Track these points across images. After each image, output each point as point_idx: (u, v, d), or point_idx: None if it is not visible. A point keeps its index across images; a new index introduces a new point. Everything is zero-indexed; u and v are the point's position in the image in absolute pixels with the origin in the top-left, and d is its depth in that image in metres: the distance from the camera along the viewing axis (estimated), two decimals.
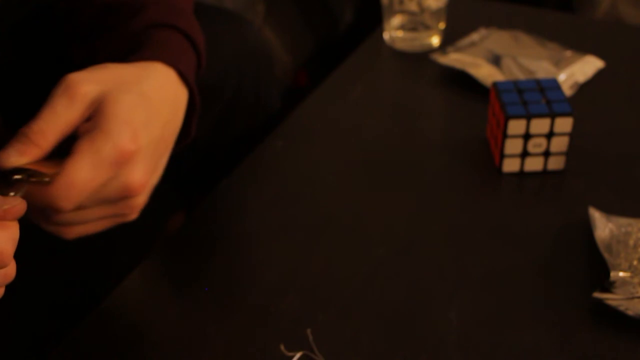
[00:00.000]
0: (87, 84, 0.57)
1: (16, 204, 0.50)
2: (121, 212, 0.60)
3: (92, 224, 0.60)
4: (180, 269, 0.75)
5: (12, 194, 0.52)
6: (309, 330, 0.65)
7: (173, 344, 0.66)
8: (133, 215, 0.61)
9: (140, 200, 0.60)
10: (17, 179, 0.53)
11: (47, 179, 0.54)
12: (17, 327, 0.71)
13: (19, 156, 0.54)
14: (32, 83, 0.77)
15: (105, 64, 0.60)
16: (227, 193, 0.83)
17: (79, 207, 0.57)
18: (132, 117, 0.57)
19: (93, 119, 0.57)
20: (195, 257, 0.75)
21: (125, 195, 0.58)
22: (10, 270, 0.50)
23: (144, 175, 0.58)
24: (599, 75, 0.97)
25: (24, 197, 0.53)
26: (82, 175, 0.54)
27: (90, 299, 0.71)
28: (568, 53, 0.98)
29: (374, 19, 1.08)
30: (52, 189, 0.54)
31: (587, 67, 0.97)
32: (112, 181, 0.57)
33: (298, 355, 0.63)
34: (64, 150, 0.56)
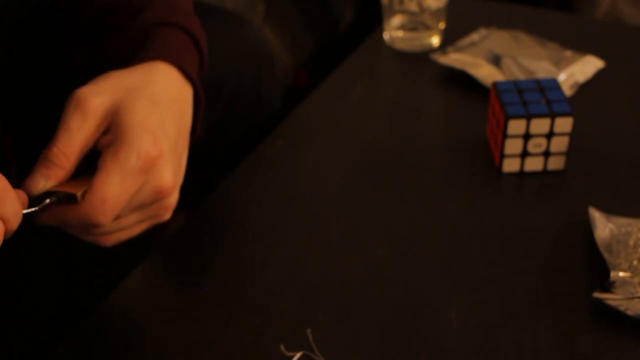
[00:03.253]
0: (96, 97, 0.57)
1: None
2: (156, 213, 0.62)
3: (129, 229, 0.62)
4: (180, 269, 0.75)
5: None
6: (309, 330, 0.65)
7: (173, 344, 0.66)
8: (167, 215, 0.63)
9: (172, 199, 0.62)
10: (48, 203, 0.56)
11: (77, 198, 0.56)
12: (18, 327, 0.71)
13: (46, 181, 0.56)
14: (33, 83, 0.77)
15: (108, 73, 0.60)
16: (227, 193, 0.83)
17: (116, 217, 0.58)
18: (149, 123, 0.58)
19: (111, 131, 0.58)
20: (195, 257, 0.75)
21: (158, 198, 0.60)
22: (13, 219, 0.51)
23: (172, 175, 0.60)
24: (599, 75, 0.97)
25: (50, 215, 0.55)
26: (113, 189, 0.56)
27: (90, 299, 0.71)
28: (568, 53, 0.98)
29: (374, 19, 1.08)
30: (87, 206, 0.56)
31: (587, 67, 0.97)
32: (143, 188, 0.58)
33: (298, 355, 0.63)
34: (87, 164, 0.57)
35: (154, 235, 0.83)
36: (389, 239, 0.76)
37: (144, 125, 0.58)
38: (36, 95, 0.73)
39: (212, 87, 0.82)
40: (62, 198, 0.56)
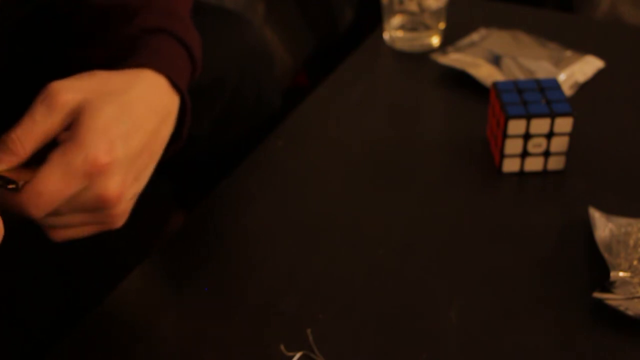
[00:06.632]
0: (67, 93, 0.57)
1: None
2: (101, 220, 0.61)
3: (75, 229, 0.61)
4: (180, 269, 0.75)
5: None
6: (309, 330, 0.65)
7: (173, 344, 0.66)
8: (117, 224, 0.62)
9: (119, 210, 0.60)
10: None
11: (18, 187, 0.56)
12: (18, 327, 0.71)
13: None
14: (29, 85, 0.77)
15: (93, 72, 0.60)
16: (227, 193, 0.83)
17: (56, 213, 0.58)
18: (110, 129, 0.57)
19: (71, 129, 0.57)
20: (195, 257, 0.75)
21: (101, 206, 0.59)
22: None
23: (120, 186, 0.58)
24: (599, 75, 0.97)
25: None
26: (51, 185, 0.55)
27: (90, 299, 0.71)
28: (568, 53, 0.98)
29: (374, 19, 1.08)
30: (23, 197, 0.56)
31: (587, 67, 0.97)
32: (85, 191, 0.57)
33: (298, 355, 0.63)
34: (44, 155, 0.57)
35: (153, 235, 0.83)
36: (389, 239, 0.76)
37: (103, 130, 0.57)
38: (33, 97, 0.73)
39: (212, 87, 0.82)
40: (4, 183, 0.55)
